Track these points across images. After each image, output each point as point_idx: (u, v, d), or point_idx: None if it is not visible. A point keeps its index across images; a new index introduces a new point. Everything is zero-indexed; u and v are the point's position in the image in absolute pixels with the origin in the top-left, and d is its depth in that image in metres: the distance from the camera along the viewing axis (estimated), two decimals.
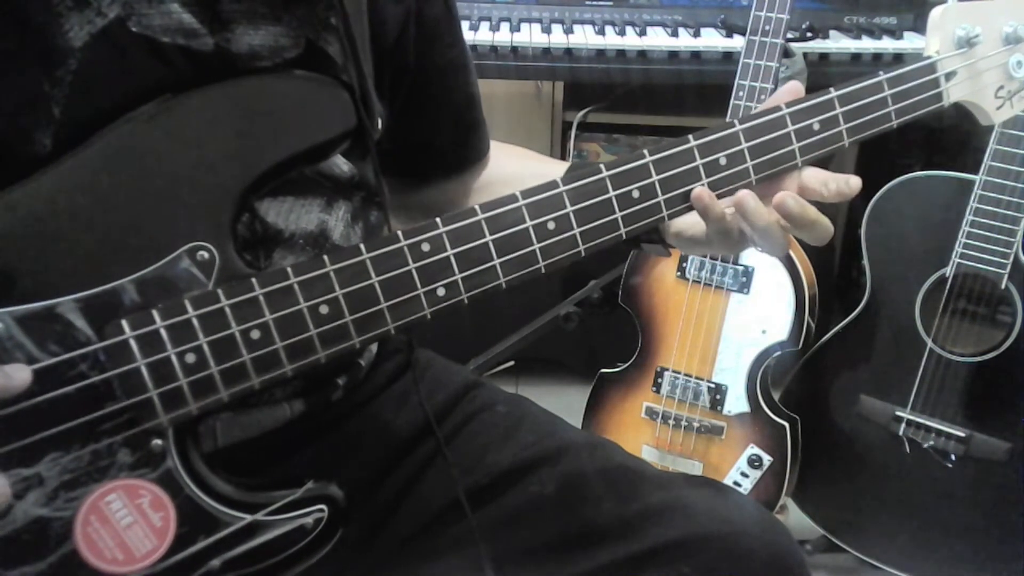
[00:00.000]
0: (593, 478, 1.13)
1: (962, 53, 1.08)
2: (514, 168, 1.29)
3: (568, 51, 2.33)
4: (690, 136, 0.99)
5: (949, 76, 1.08)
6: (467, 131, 1.26)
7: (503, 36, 2.34)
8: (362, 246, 0.87)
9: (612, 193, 0.96)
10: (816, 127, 1.03)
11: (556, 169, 1.20)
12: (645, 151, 0.97)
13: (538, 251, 0.94)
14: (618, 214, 0.96)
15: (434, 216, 1.23)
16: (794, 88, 1.05)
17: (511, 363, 2.38)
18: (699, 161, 0.99)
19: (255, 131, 0.88)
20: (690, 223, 1.07)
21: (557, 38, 2.35)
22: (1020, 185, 1.82)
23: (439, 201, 1.28)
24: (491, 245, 0.92)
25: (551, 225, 0.94)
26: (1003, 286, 1.87)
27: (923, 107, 1.07)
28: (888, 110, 1.05)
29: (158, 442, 0.83)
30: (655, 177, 0.97)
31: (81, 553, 0.81)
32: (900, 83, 1.06)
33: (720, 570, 1.06)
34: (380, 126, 1.06)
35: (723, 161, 1.00)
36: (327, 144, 0.92)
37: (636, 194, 0.97)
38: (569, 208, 0.94)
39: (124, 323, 0.80)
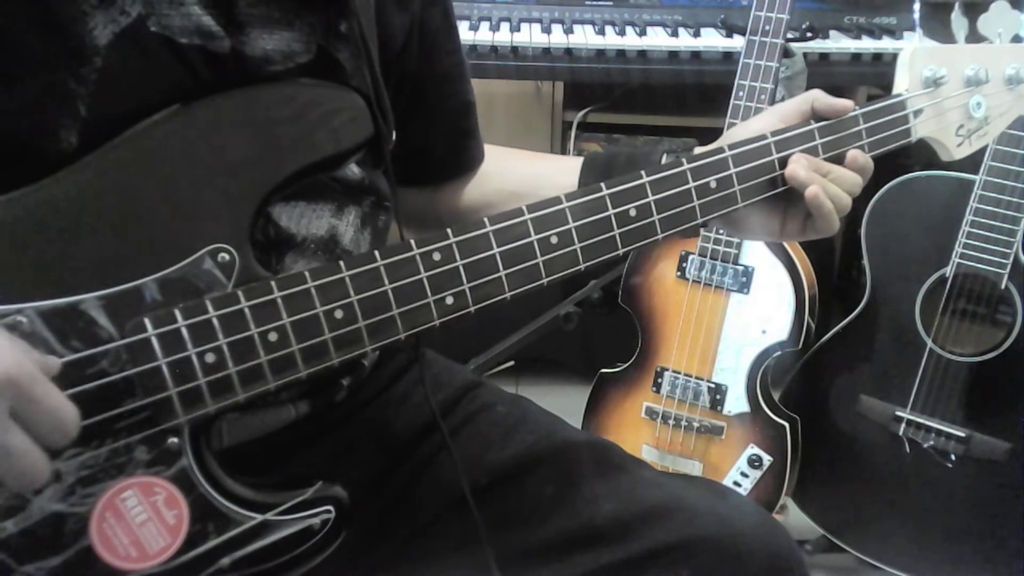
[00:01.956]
0: (593, 479, 1.13)
1: (928, 92, 1.15)
2: (524, 171, 1.29)
3: (568, 51, 2.34)
4: (683, 159, 1.03)
5: (917, 113, 1.14)
6: (462, 138, 1.27)
7: (503, 36, 2.35)
8: (377, 253, 0.89)
9: (611, 211, 0.99)
10: None
11: (567, 163, 1.24)
12: (642, 171, 1.01)
13: (541, 264, 0.96)
14: (616, 231, 1.00)
15: (427, 222, 1.25)
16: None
17: (511, 363, 2.39)
18: (691, 184, 1.03)
19: (278, 137, 0.89)
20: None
21: (557, 38, 2.36)
22: (1020, 185, 1.83)
23: (431, 207, 1.29)
24: (498, 257, 0.94)
25: (554, 239, 0.96)
26: (1003, 286, 1.87)
27: (893, 142, 1.14)
28: (862, 143, 1.11)
29: (174, 440, 0.84)
30: (651, 197, 1.01)
31: (96, 549, 0.81)
32: (874, 118, 1.12)
33: (719, 572, 1.06)
34: (394, 135, 1.07)
35: (713, 184, 1.04)
36: (346, 152, 0.94)
37: (633, 213, 1.00)
38: (571, 224, 0.97)
39: (146, 321, 0.81)
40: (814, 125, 1.08)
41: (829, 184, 1.06)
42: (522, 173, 1.28)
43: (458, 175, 1.28)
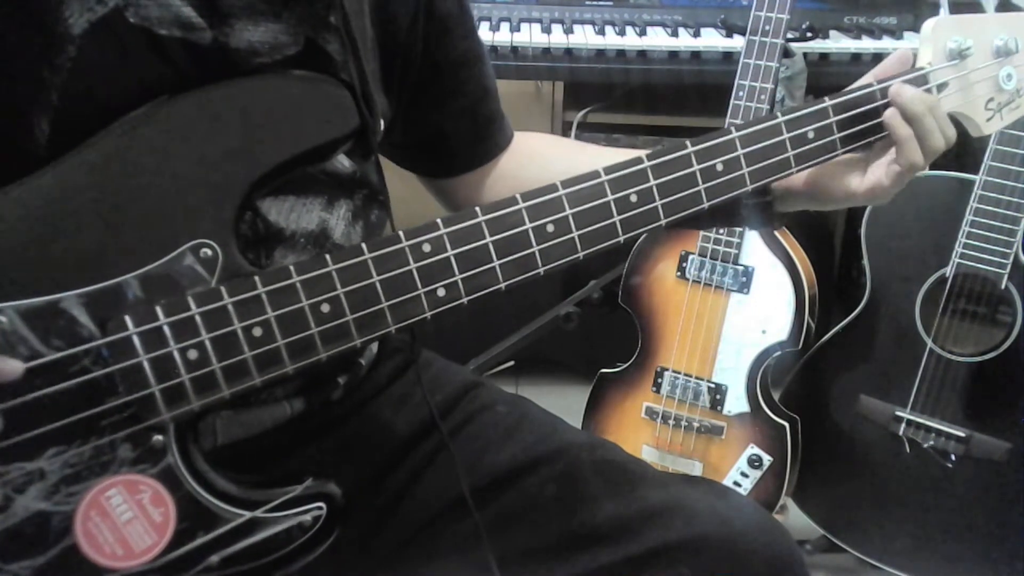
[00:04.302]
0: (593, 479, 1.13)
1: (954, 65, 1.10)
2: (589, 158, 1.25)
3: (568, 51, 2.33)
4: (687, 141, 1.00)
5: (941, 87, 1.09)
6: (485, 124, 1.25)
7: (503, 36, 2.35)
8: (364, 245, 0.88)
9: (610, 197, 0.97)
10: (811, 135, 1.04)
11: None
12: (643, 155, 0.99)
13: (537, 254, 0.94)
14: (616, 218, 0.97)
15: (465, 206, 1.24)
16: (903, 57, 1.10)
17: (511, 363, 2.38)
18: (696, 167, 1.00)
19: (260, 130, 0.88)
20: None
21: (557, 38, 2.36)
22: (1020, 185, 1.82)
23: (463, 191, 1.28)
24: (491, 247, 0.92)
25: (550, 228, 0.95)
26: (1003, 286, 1.87)
27: None
28: (881, 120, 1.06)
29: (159, 438, 0.83)
30: (652, 182, 0.98)
31: (81, 548, 0.81)
32: None
33: (720, 571, 1.06)
34: (382, 126, 1.06)
35: (719, 167, 1.01)
36: (331, 144, 0.93)
37: (634, 198, 0.98)
38: (568, 211, 0.95)
39: (127, 319, 0.81)
40: (829, 102, 1.05)
41: (926, 111, 1.05)
42: (587, 163, 1.26)
43: (486, 159, 1.26)
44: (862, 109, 1.06)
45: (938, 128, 1.06)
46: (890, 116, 1.05)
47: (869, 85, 1.07)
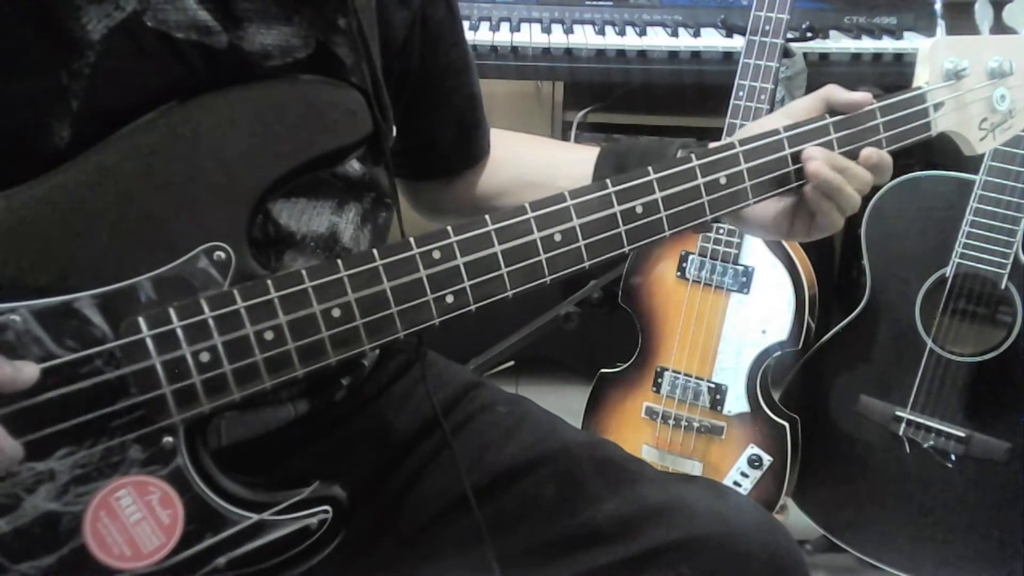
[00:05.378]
0: (593, 478, 1.13)
1: (950, 85, 1.12)
2: (540, 159, 1.29)
3: (568, 51, 2.33)
4: (692, 155, 1.01)
5: (937, 107, 1.12)
6: (469, 131, 1.26)
7: (503, 36, 2.35)
8: (375, 251, 0.88)
9: (617, 208, 0.98)
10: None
11: (582, 154, 1.23)
12: (650, 168, 0.99)
13: (544, 262, 0.95)
14: (622, 228, 0.98)
15: (443, 212, 1.24)
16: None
17: (511, 363, 2.38)
18: (700, 180, 1.01)
19: (275, 134, 0.89)
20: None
21: (557, 38, 2.36)
22: (1020, 185, 1.82)
23: (446, 198, 1.29)
24: (500, 255, 0.93)
25: (557, 237, 0.95)
26: (1003, 286, 1.87)
27: (913, 136, 1.11)
28: (880, 137, 1.09)
29: (169, 439, 0.83)
30: (658, 194, 0.99)
31: (90, 548, 0.81)
32: (892, 112, 1.10)
33: (719, 571, 1.06)
34: (394, 131, 1.07)
35: (723, 180, 1.02)
36: (346, 149, 0.93)
37: (639, 210, 0.99)
38: (575, 221, 0.96)
39: (141, 321, 0.81)
40: (830, 120, 1.06)
41: (843, 182, 1.04)
42: (537, 162, 1.28)
43: (467, 167, 1.27)
44: (863, 126, 1.08)
45: (855, 192, 1.06)
46: (810, 192, 1.06)
47: (776, 132, 1.06)
